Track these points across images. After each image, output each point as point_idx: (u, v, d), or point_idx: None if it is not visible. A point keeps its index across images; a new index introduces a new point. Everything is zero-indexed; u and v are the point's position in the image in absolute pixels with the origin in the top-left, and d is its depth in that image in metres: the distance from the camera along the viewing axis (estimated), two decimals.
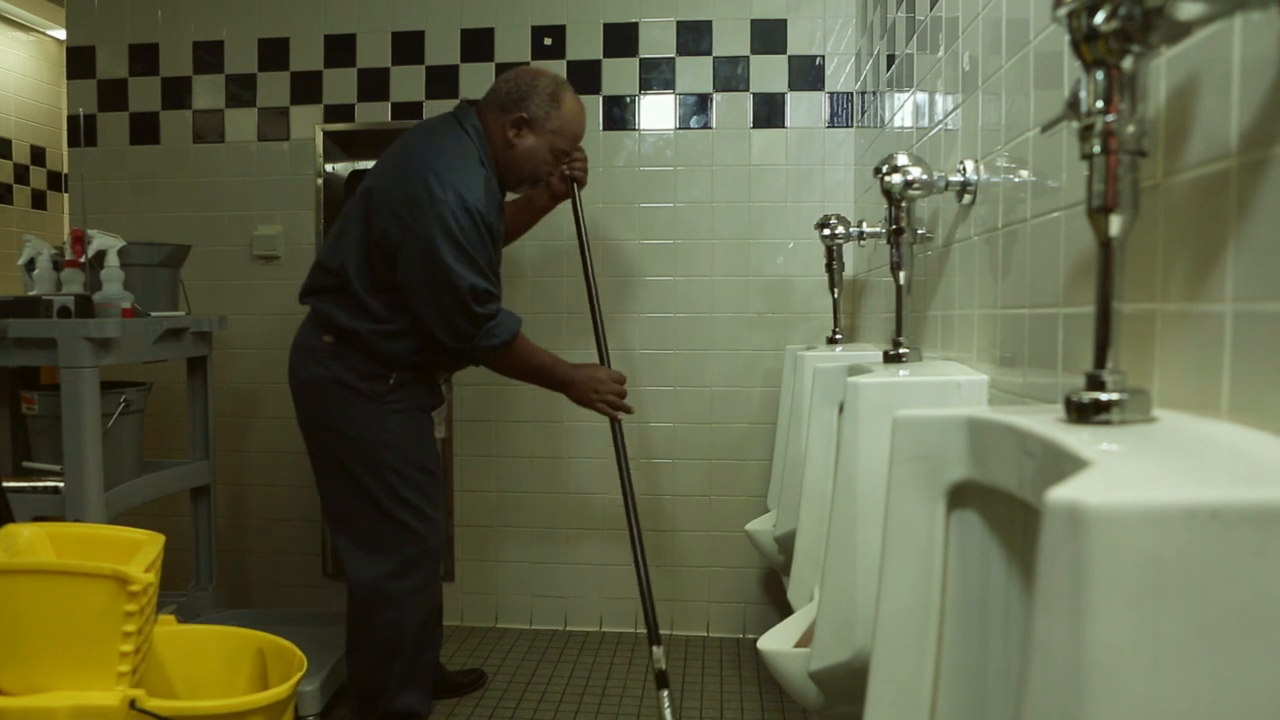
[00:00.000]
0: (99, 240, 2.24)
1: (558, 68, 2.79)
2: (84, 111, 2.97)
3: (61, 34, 3.33)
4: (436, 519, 2.04)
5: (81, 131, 2.97)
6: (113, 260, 2.23)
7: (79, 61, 2.97)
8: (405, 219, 1.85)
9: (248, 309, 2.91)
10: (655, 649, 1.95)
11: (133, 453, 2.28)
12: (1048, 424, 0.66)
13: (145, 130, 2.96)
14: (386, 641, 2.00)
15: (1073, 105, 0.66)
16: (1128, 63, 0.61)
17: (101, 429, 2.05)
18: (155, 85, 2.95)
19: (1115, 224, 0.64)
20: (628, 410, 2.14)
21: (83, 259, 2.21)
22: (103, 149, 2.97)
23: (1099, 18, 0.59)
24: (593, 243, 2.81)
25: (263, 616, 2.49)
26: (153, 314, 2.30)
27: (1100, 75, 0.63)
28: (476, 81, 2.78)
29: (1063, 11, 0.62)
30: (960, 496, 0.81)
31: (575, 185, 2.26)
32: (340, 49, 2.87)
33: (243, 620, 2.06)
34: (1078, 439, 0.60)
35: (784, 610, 1.66)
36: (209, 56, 2.92)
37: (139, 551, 1.55)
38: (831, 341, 2.29)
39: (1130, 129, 0.63)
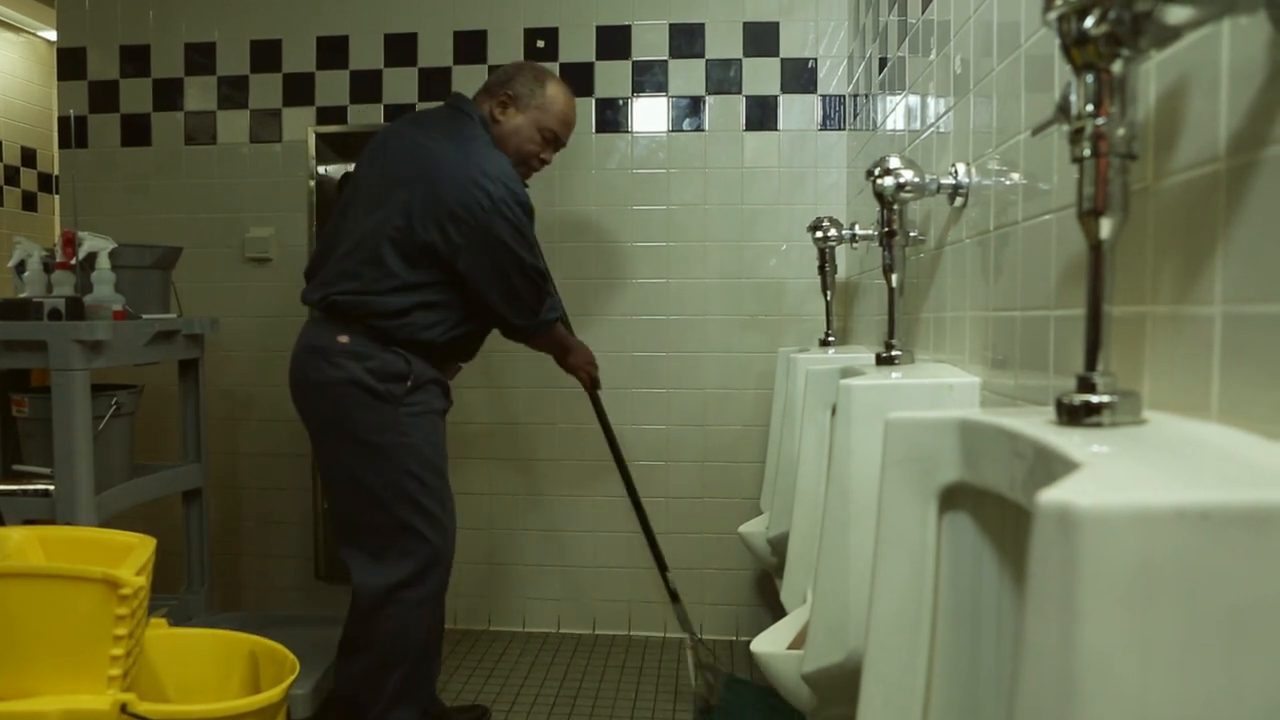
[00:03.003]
0: (90, 242, 2.23)
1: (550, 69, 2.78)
2: (75, 113, 2.96)
3: (52, 35, 3.32)
4: (449, 526, 1.99)
5: (72, 133, 2.96)
6: (104, 262, 2.22)
7: (70, 63, 2.96)
8: (467, 223, 1.86)
9: (240, 311, 2.90)
10: (666, 574, 2.50)
11: (124, 456, 2.27)
12: (1039, 426, 0.66)
13: (137, 132, 2.95)
14: (389, 651, 1.93)
15: (1063, 108, 0.66)
16: (1117, 66, 0.62)
17: (92, 432, 2.04)
18: (147, 87, 2.94)
19: (1105, 227, 0.65)
20: (596, 383, 2.40)
21: (73, 261, 2.20)
22: (94, 150, 2.96)
23: (1089, 21, 0.60)
24: (586, 244, 2.82)
25: (255, 619, 2.48)
26: (144, 316, 2.29)
27: (1090, 79, 0.63)
28: (469, 83, 2.77)
29: (1053, 15, 0.62)
30: (952, 498, 0.82)
31: (587, 390, 2.41)
32: (333, 51, 2.87)
33: (235, 623, 2.05)
34: (1069, 441, 0.60)
35: (777, 612, 1.66)
36: (201, 58, 2.92)
37: (130, 555, 1.55)
38: (824, 344, 2.29)
39: (1120, 132, 0.63)
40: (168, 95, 2.93)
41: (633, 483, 2.47)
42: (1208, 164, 0.66)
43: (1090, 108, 0.63)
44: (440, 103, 2.12)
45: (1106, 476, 0.51)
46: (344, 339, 1.90)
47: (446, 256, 1.88)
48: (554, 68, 2.79)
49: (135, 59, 2.94)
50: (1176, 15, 0.56)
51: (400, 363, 1.91)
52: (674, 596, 2.47)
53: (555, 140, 2.08)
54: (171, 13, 2.91)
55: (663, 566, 2.50)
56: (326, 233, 2.04)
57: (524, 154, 2.04)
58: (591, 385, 2.37)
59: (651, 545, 2.49)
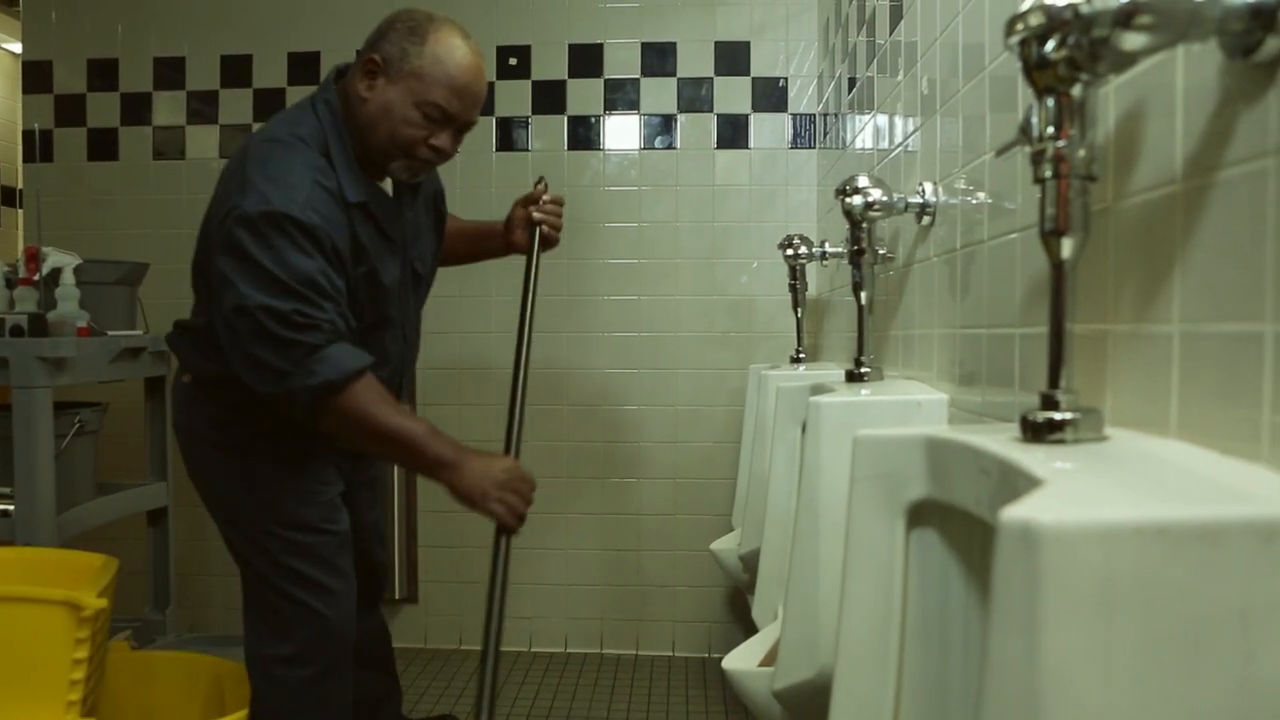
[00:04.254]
0: (54, 258, 2.20)
1: (522, 88, 2.79)
2: (40, 126, 2.92)
3: (17, 47, 3.28)
4: (339, 589, 1.60)
5: (37, 147, 2.92)
6: (68, 278, 2.19)
7: (35, 76, 2.93)
8: (210, 247, 1.47)
9: None
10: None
11: (87, 475, 2.24)
12: (1004, 443, 0.67)
13: (104, 146, 2.92)
14: None
15: (1025, 130, 0.68)
16: (1077, 90, 0.63)
17: (55, 451, 2.00)
18: (114, 101, 2.91)
19: (1067, 247, 0.66)
20: (516, 527, 1.57)
21: (37, 277, 2.17)
22: (59, 165, 2.92)
23: (1049, 46, 0.61)
24: (557, 262, 2.82)
25: (223, 640, 2.44)
26: (109, 333, 2.26)
27: (1051, 102, 0.64)
28: None
29: (1014, 40, 0.64)
30: (920, 515, 0.82)
31: (538, 236, 1.80)
32: (304, 66, 2.86)
33: (202, 644, 2.02)
34: (1032, 458, 0.61)
35: (749, 629, 1.66)
36: (170, 72, 2.90)
37: (92, 576, 1.52)
38: (795, 360, 2.30)
39: (1081, 154, 0.64)
40: (136, 110, 2.91)
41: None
42: (1165, 186, 0.68)
43: (1051, 130, 0.64)
44: None
45: (1068, 493, 0.52)
46: (186, 378, 1.64)
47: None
48: (526, 85, 2.80)
49: (103, 73, 2.91)
50: (1132, 42, 0.58)
51: (241, 407, 1.56)
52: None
53: (445, 119, 1.50)
54: (140, 27, 2.89)
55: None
56: None
57: (402, 141, 1.50)
58: (509, 522, 1.55)
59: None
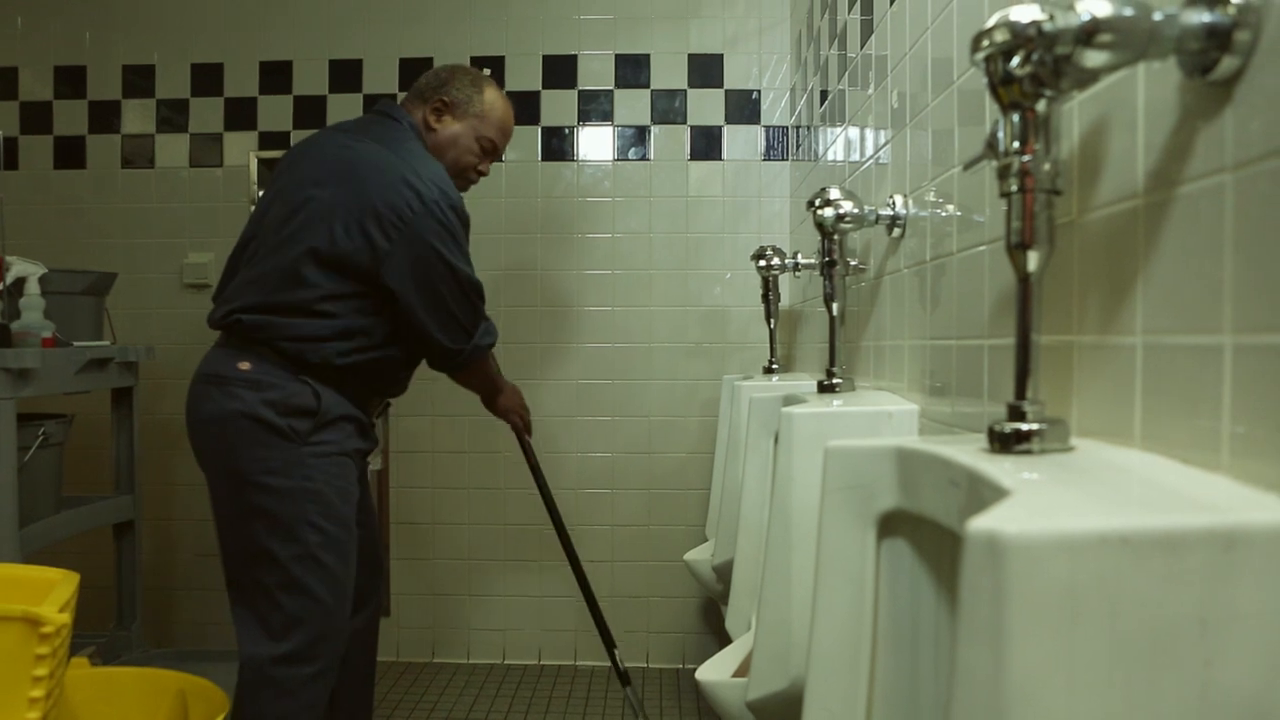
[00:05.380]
0: (18, 267, 2.16)
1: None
2: (5, 134, 2.88)
3: None
4: (349, 588, 1.72)
5: (1, 154, 2.88)
6: (33, 288, 2.15)
7: (0, 83, 2.89)
8: (394, 225, 1.66)
9: (177, 338, 2.83)
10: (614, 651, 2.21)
11: (51, 488, 2.20)
12: (972, 454, 0.67)
13: (71, 154, 2.88)
14: None
15: (991, 145, 0.69)
16: (1041, 105, 0.64)
17: (17, 463, 1.97)
18: (82, 108, 2.88)
19: (1033, 260, 0.67)
20: (525, 429, 2.22)
21: (0, 286, 2.13)
22: (25, 173, 2.88)
23: (1014, 62, 0.62)
24: (531, 271, 2.82)
25: (189, 655, 2.41)
26: (75, 344, 2.23)
27: (1016, 117, 0.65)
28: None
29: (980, 56, 0.64)
30: (890, 525, 0.83)
31: (517, 435, 2.23)
32: (276, 75, 2.84)
33: (168, 659, 1.99)
34: (999, 468, 0.61)
35: (723, 639, 1.66)
36: (139, 80, 2.87)
37: (52, 591, 1.49)
38: (768, 371, 2.31)
39: (1045, 168, 0.65)
40: (104, 117, 2.87)
41: (572, 545, 2.29)
42: (1127, 200, 0.69)
43: (1017, 145, 0.65)
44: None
45: (1034, 503, 0.52)
46: (245, 365, 1.66)
47: (369, 266, 1.66)
48: None
49: (71, 80, 2.88)
50: (1094, 59, 0.59)
51: (307, 395, 1.66)
52: (624, 679, 2.19)
53: (494, 151, 1.94)
54: (109, 34, 2.86)
55: (610, 643, 2.21)
56: (235, 249, 1.80)
57: (462, 166, 1.90)
58: (524, 430, 2.21)
59: (597, 619, 2.24)
